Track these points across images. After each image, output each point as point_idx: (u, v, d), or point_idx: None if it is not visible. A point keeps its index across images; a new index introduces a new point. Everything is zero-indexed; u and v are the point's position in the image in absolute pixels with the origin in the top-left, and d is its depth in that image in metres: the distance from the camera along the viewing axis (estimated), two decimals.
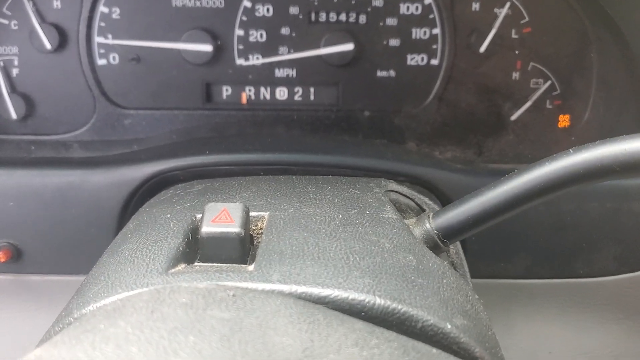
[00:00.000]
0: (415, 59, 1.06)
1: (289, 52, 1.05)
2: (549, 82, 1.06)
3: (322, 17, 1.04)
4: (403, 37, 1.05)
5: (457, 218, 0.65)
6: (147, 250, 0.60)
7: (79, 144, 1.06)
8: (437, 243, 0.66)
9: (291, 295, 0.51)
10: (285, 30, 1.05)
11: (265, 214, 0.67)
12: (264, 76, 1.07)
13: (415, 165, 0.91)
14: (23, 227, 0.91)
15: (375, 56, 1.06)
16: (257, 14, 1.04)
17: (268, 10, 1.04)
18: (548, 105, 1.07)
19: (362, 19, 1.04)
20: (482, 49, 1.04)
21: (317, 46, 1.04)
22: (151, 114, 1.07)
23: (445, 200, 0.90)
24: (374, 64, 1.06)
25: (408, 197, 0.84)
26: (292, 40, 1.05)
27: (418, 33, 1.05)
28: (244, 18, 1.04)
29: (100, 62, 1.05)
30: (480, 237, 0.91)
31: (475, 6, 1.04)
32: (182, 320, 0.42)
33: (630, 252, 0.93)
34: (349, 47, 1.04)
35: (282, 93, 1.08)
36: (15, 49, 1.04)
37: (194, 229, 0.64)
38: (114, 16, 1.03)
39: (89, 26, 1.03)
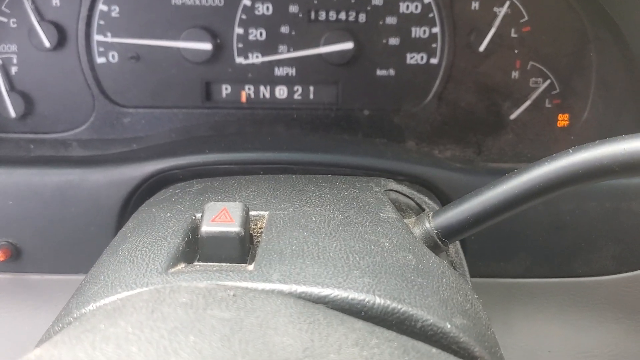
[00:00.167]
0: (414, 58, 1.06)
1: (288, 51, 1.05)
2: (548, 82, 1.06)
3: (322, 15, 1.04)
4: (403, 36, 1.05)
5: (457, 217, 0.65)
6: (147, 250, 0.60)
7: (78, 143, 1.05)
8: (437, 242, 0.66)
9: (291, 294, 0.51)
10: (284, 29, 1.04)
11: (265, 213, 0.67)
12: (264, 75, 1.07)
13: (415, 164, 0.91)
14: (22, 226, 0.91)
15: (374, 55, 1.06)
16: (256, 12, 1.04)
17: (268, 8, 1.04)
18: (547, 105, 1.07)
19: (362, 17, 1.04)
20: (482, 48, 1.04)
21: (317, 45, 1.04)
22: (150, 113, 1.07)
23: (444, 199, 0.90)
24: (374, 63, 1.06)
25: (407, 196, 0.84)
26: (292, 39, 1.05)
27: (418, 32, 1.05)
28: (244, 16, 1.04)
29: (100, 60, 1.05)
30: (479, 237, 0.91)
31: (475, 5, 1.04)
32: (183, 320, 0.42)
33: (629, 251, 0.93)
34: (348, 45, 1.03)
35: (281, 92, 1.08)
36: (14, 47, 1.04)
37: (194, 229, 0.64)
38: (113, 14, 1.03)
39: (88, 24, 1.03)
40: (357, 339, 0.43)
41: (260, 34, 1.05)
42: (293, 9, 1.04)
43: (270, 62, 1.06)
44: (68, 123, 1.07)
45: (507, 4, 1.03)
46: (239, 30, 1.04)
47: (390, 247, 0.60)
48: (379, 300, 0.51)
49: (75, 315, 0.52)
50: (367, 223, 0.65)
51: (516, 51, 1.05)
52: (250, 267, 0.55)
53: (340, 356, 0.40)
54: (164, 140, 1.03)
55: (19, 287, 0.96)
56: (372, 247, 0.60)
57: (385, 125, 1.08)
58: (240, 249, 0.57)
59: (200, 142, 0.99)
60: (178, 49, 1.04)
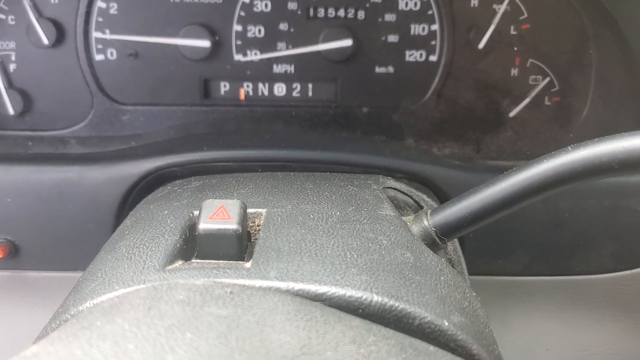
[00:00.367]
0: (413, 55, 1.06)
1: (287, 48, 1.05)
2: (547, 79, 1.06)
3: (321, 12, 1.04)
4: (402, 33, 1.05)
5: (455, 215, 0.65)
6: (145, 247, 0.60)
7: (76, 140, 1.05)
8: (435, 240, 0.66)
9: (288, 292, 0.51)
10: (283, 26, 1.04)
11: (263, 210, 0.67)
12: (262, 72, 1.06)
13: (413, 162, 0.91)
14: (20, 223, 0.91)
15: (373, 52, 1.05)
16: (255, 9, 1.04)
17: (266, 5, 1.03)
18: (547, 102, 1.07)
19: (361, 14, 1.04)
20: (481, 45, 1.04)
21: (316, 42, 1.04)
22: (149, 110, 1.07)
23: (443, 197, 0.90)
24: (373, 60, 1.06)
25: (406, 194, 0.84)
26: (291, 36, 1.05)
27: (417, 29, 1.05)
28: (242, 13, 1.04)
29: (98, 57, 1.05)
30: (478, 235, 0.91)
31: (474, 2, 1.04)
32: (179, 317, 0.42)
33: (627, 249, 0.93)
34: (347, 43, 1.03)
35: (280, 89, 1.07)
36: (12, 44, 1.04)
37: (192, 226, 0.64)
38: (112, 11, 1.03)
39: (87, 21, 1.03)
40: (354, 336, 0.43)
41: (259, 31, 1.05)
42: (292, 5, 1.03)
43: (268, 59, 1.06)
44: (66, 120, 1.07)
45: (507, 1, 1.03)
46: (237, 27, 1.04)
47: (388, 245, 0.60)
48: (376, 298, 0.51)
49: (72, 312, 0.52)
50: (365, 221, 0.65)
51: (515, 48, 1.05)
52: (248, 264, 0.55)
53: (337, 354, 0.40)
54: (162, 137, 1.03)
55: (17, 284, 0.96)
56: (370, 244, 0.60)
57: (384, 123, 1.08)
58: (238, 246, 0.57)
59: (198, 140, 0.99)
60: (176, 46, 1.04)
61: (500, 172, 0.92)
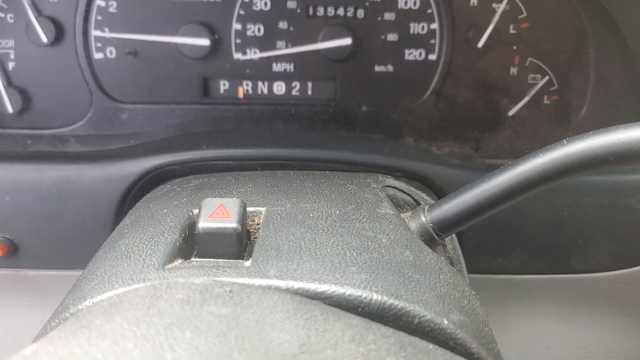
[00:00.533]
0: (413, 54, 1.06)
1: (286, 47, 1.05)
2: (546, 78, 1.06)
3: (320, 11, 1.04)
4: (401, 32, 1.05)
5: (453, 211, 0.65)
6: (144, 246, 0.60)
7: (75, 139, 1.05)
8: (433, 236, 0.66)
9: (288, 291, 0.51)
10: (283, 25, 1.04)
11: (263, 209, 0.67)
12: (262, 71, 1.06)
13: (413, 161, 0.91)
14: (19, 221, 0.91)
15: (373, 51, 1.05)
16: (254, 7, 1.03)
17: (266, 4, 1.03)
18: (546, 101, 1.07)
19: (360, 13, 1.04)
20: (480, 44, 1.04)
21: (315, 41, 1.04)
22: (148, 108, 1.07)
23: (442, 195, 0.89)
24: (372, 59, 1.06)
25: (405, 193, 0.84)
26: (290, 35, 1.05)
27: (416, 28, 1.05)
28: (242, 12, 1.04)
29: (97, 55, 1.05)
30: (477, 233, 0.91)
31: (474, 1, 1.04)
32: (179, 316, 0.42)
33: (626, 247, 0.93)
34: (346, 41, 1.03)
35: (279, 88, 1.07)
36: (11, 43, 1.04)
37: (191, 224, 0.64)
38: (111, 9, 1.03)
39: (86, 19, 1.03)
40: (353, 335, 0.43)
41: (259, 29, 1.04)
42: (291, 4, 1.03)
43: (268, 57, 1.06)
44: (65, 119, 1.07)
45: (506, 0, 1.03)
46: (236, 26, 1.04)
47: (387, 244, 0.60)
48: (376, 297, 0.51)
49: (71, 311, 0.52)
50: (364, 219, 0.65)
51: (515, 47, 1.05)
52: (247, 263, 0.55)
53: (336, 352, 0.40)
54: (161, 136, 1.03)
55: (16, 282, 0.96)
56: (370, 243, 0.60)
57: (383, 122, 1.08)
58: (238, 245, 0.57)
59: (198, 138, 0.99)
60: (176, 45, 1.04)
61: None
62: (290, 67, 1.06)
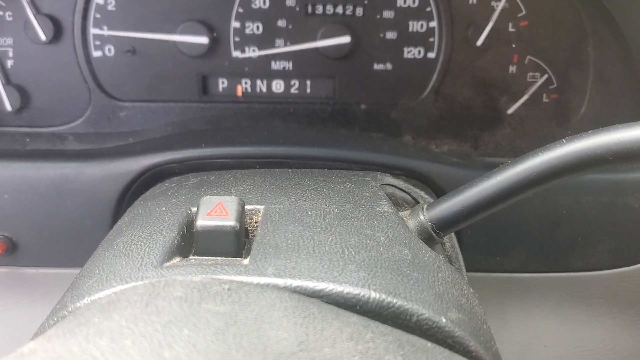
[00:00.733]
0: (412, 52, 1.06)
1: (285, 45, 1.05)
2: (545, 76, 1.06)
3: (319, 9, 1.04)
4: (400, 30, 1.05)
5: (451, 209, 0.65)
6: (142, 244, 0.60)
7: (74, 137, 1.05)
8: (432, 235, 0.66)
9: (286, 289, 0.51)
10: (281, 23, 1.04)
11: (261, 207, 0.67)
12: (260, 69, 1.06)
13: (412, 159, 0.91)
14: (18, 219, 0.91)
15: (372, 49, 1.05)
16: (253, 5, 1.03)
17: (264, 2, 1.03)
18: (545, 99, 1.07)
19: (359, 11, 1.04)
20: (479, 42, 1.04)
21: (314, 39, 1.04)
22: (147, 107, 1.07)
23: (441, 193, 0.90)
24: (371, 57, 1.06)
25: (404, 191, 0.84)
26: (289, 33, 1.04)
27: (415, 26, 1.04)
28: (240, 10, 1.03)
29: (96, 53, 1.05)
30: (476, 231, 0.91)
31: None
32: (177, 314, 0.42)
33: (625, 246, 0.93)
34: (345, 39, 1.03)
35: (278, 86, 1.07)
36: (9, 40, 1.04)
37: (189, 222, 0.64)
38: (110, 7, 1.03)
39: (85, 17, 1.03)
40: (351, 333, 0.43)
41: (257, 27, 1.04)
42: (290, 2, 1.03)
43: (267, 56, 1.06)
44: (64, 117, 1.07)
45: None
46: (235, 24, 1.04)
47: (386, 242, 0.60)
48: (374, 295, 0.51)
49: (70, 309, 0.52)
50: (363, 217, 0.65)
51: (514, 45, 1.05)
52: (246, 261, 0.55)
53: (334, 350, 0.40)
54: (160, 134, 1.03)
55: (15, 280, 0.96)
56: (368, 241, 0.60)
57: (382, 120, 1.08)
58: (236, 243, 0.57)
59: (196, 136, 0.99)
60: (174, 43, 1.04)
61: None
62: (289, 65, 1.06)
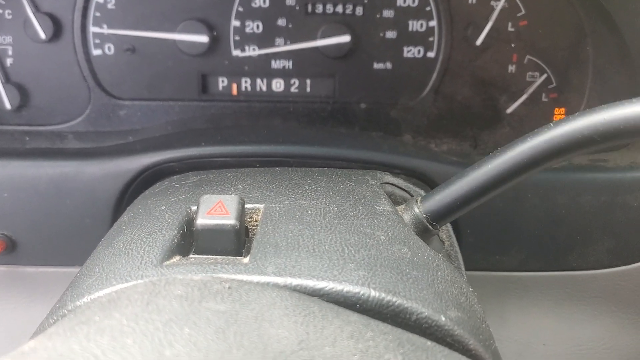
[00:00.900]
0: (411, 52, 1.06)
1: (285, 44, 1.05)
2: (545, 75, 1.06)
3: (319, 8, 1.04)
4: (400, 30, 1.05)
5: (445, 200, 0.66)
6: (142, 242, 0.60)
7: (73, 135, 1.05)
8: (427, 227, 0.67)
9: (286, 287, 0.51)
10: (281, 22, 1.04)
11: (261, 206, 0.67)
12: (260, 67, 1.06)
13: (411, 158, 0.91)
14: (17, 218, 0.91)
15: (371, 48, 1.05)
16: (253, 4, 1.03)
17: (264, 1, 1.03)
18: (544, 99, 1.07)
19: (359, 10, 1.04)
20: (479, 41, 1.04)
21: (314, 38, 1.04)
22: (146, 105, 1.07)
23: None
24: (371, 56, 1.06)
25: (403, 189, 0.84)
26: (289, 32, 1.04)
27: (415, 25, 1.05)
28: (240, 9, 1.03)
29: (96, 52, 1.05)
30: (475, 230, 0.91)
31: None
32: (178, 312, 0.42)
33: (624, 245, 0.93)
34: (345, 39, 1.03)
35: (278, 85, 1.07)
36: (9, 39, 1.03)
37: (189, 221, 0.64)
38: (109, 6, 1.03)
39: (84, 16, 1.03)
40: (352, 331, 0.43)
41: (257, 26, 1.04)
42: (290, 1, 1.03)
43: (267, 54, 1.06)
44: (64, 115, 1.07)
45: None
46: (235, 23, 1.04)
47: (385, 240, 0.61)
48: (373, 293, 0.51)
49: (69, 307, 0.52)
50: (362, 216, 0.65)
51: (513, 45, 1.05)
52: (246, 259, 0.55)
53: (335, 349, 0.40)
54: (160, 132, 1.03)
55: (14, 279, 0.96)
56: (368, 240, 0.60)
57: (382, 119, 1.08)
58: (236, 241, 0.57)
59: (196, 135, 0.99)
60: (174, 41, 1.04)
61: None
62: (289, 64, 1.06)
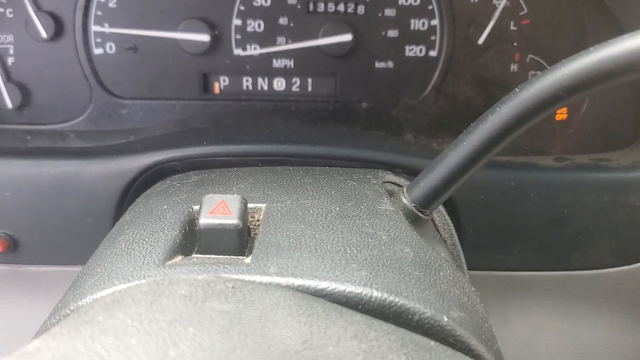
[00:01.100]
0: (413, 50, 1.06)
1: (286, 43, 1.05)
2: None
3: (321, 7, 1.04)
4: (401, 28, 1.05)
5: (430, 185, 0.66)
6: (144, 242, 0.60)
7: (75, 134, 1.05)
8: (418, 215, 0.67)
9: (288, 287, 0.51)
10: (283, 21, 1.04)
11: (263, 205, 0.67)
12: (262, 66, 1.06)
13: (413, 157, 0.91)
14: (19, 217, 0.91)
15: (373, 47, 1.05)
16: (255, 3, 1.03)
17: (266, 0, 1.03)
18: None
19: (361, 9, 1.04)
20: (481, 40, 1.04)
21: (315, 37, 1.04)
22: (148, 104, 1.07)
23: None
24: (372, 55, 1.06)
25: None
26: (290, 31, 1.04)
27: (417, 24, 1.04)
28: (242, 8, 1.03)
29: (97, 51, 1.05)
30: (477, 229, 0.91)
31: None
32: (182, 312, 0.42)
33: (626, 245, 0.93)
34: (347, 37, 1.03)
35: (279, 84, 1.07)
36: (10, 38, 1.03)
37: (191, 221, 0.64)
38: (111, 5, 1.03)
39: (86, 15, 1.03)
40: (355, 331, 0.43)
41: (259, 25, 1.04)
42: (291, 0, 1.03)
43: (268, 53, 1.05)
44: (65, 114, 1.07)
45: None
46: (237, 22, 1.04)
47: (387, 240, 0.60)
48: (376, 294, 0.51)
49: (72, 307, 0.52)
50: (364, 216, 0.65)
51: (515, 44, 1.05)
52: (248, 259, 0.55)
53: (339, 349, 0.40)
54: (161, 131, 1.03)
55: (16, 278, 0.96)
56: (370, 240, 0.60)
57: (384, 118, 1.08)
58: (239, 241, 0.57)
59: (198, 134, 0.99)
60: (176, 40, 1.03)
61: (498, 167, 0.92)
62: (290, 63, 1.06)
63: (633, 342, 1.02)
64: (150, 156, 0.90)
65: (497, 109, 0.60)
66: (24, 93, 1.05)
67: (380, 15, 1.04)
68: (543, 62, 1.05)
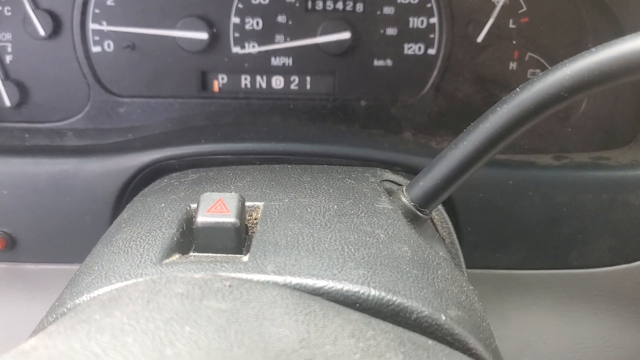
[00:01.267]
0: (412, 49, 1.05)
1: (285, 41, 1.05)
2: None
3: (319, 5, 1.03)
4: (400, 26, 1.04)
5: (429, 184, 0.66)
6: (141, 240, 0.59)
7: (73, 132, 1.05)
8: (417, 214, 0.67)
9: (285, 286, 0.51)
10: (281, 18, 1.04)
11: (260, 204, 0.67)
12: (260, 65, 1.06)
13: (412, 155, 0.91)
14: (17, 215, 0.91)
15: (372, 45, 1.05)
16: (253, 1, 1.03)
17: None
18: None
19: (359, 7, 1.03)
20: (480, 38, 1.04)
21: (314, 35, 1.04)
22: (146, 102, 1.06)
23: None
24: (371, 53, 1.06)
25: None
26: (289, 29, 1.04)
27: (415, 22, 1.04)
28: (240, 5, 1.03)
29: (95, 49, 1.04)
30: (475, 228, 0.91)
31: None
32: (178, 311, 0.42)
33: (624, 243, 0.93)
34: (345, 35, 1.03)
35: (278, 82, 1.07)
36: (8, 36, 1.03)
37: (189, 219, 0.63)
38: (109, 2, 1.02)
39: (84, 13, 1.02)
40: (353, 330, 0.43)
41: (257, 23, 1.04)
42: None
43: (266, 51, 1.05)
44: (63, 112, 1.06)
45: None
46: (235, 20, 1.04)
47: (385, 239, 0.60)
48: (373, 292, 0.51)
49: (69, 305, 0.52)
50: (362, 214, 0.65)
51: (514, 42, 1.05)
52: (245, 258, 0.55)
53: (336, 347, 0.40)
54: (159, 130, 1.03)
55: (14, 276, 0.96)
56: (368, 238, 0.60)
57: (382, 116, 1.07)
58: (236, 239, 0.57)
59: (196, 132, 0.99)
60: (174, 38, 1.03)
61: (497, 166, 0.92)
62: (288, 61, 1.06)
63: (631, 341, 1.02)
64: (149, 154, 0.89)
65: (498, 108, 0.60)
66: (21, 91, 1.05)
67: (378, 13, 1.04)
68: (542, 60, 1.05)
